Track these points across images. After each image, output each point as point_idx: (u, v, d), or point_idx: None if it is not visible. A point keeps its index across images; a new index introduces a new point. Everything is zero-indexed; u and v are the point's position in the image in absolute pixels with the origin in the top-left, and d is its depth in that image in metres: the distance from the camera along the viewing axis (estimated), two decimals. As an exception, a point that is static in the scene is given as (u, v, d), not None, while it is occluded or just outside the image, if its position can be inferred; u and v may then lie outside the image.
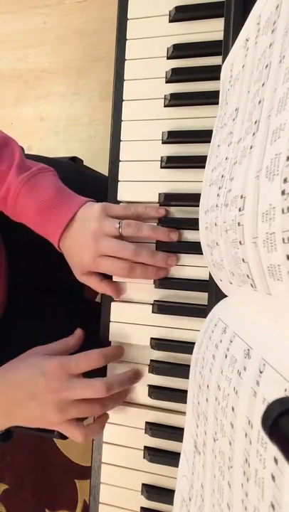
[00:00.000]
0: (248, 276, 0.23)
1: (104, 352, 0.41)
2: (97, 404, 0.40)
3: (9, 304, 0.60)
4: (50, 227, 0.44)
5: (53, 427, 0.41)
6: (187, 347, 0.41)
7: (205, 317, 0.35)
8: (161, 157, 0.43)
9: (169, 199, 0.43)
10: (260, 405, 0.19)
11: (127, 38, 0.45)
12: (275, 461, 0.17)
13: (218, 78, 0.36)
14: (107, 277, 0.45)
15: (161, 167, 0.43)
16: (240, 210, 0.23)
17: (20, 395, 0.40)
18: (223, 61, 0.35)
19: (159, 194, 0.43)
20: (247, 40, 0.28)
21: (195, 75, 0.43)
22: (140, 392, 0.44)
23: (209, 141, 0.36)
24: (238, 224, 0.23)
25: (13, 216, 0.47)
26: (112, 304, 0.45)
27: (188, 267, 0.43)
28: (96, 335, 0.46)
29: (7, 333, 0.58)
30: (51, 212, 0.44)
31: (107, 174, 0.46)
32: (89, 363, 0.41)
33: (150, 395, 0.43)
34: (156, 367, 0.43)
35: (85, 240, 0.42)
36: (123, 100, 0.45)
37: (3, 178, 0.45)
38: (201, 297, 0.41)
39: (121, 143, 0.45)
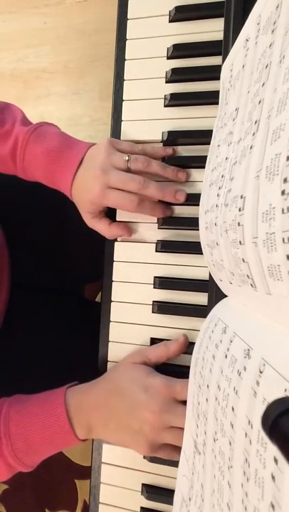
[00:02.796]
0: (248, 276, 0.23)
1: None
2: None
3: (10, 303, 0.60)
4: (61, 171, 0.44)
5: (153, 451, 0.39)
6: (187, 347, 0.41)
7: (205, 317, 0.35)
8: (162, 158, 0.43)
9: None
10: (260, 405, 0.19)
11: (127, 38, 0.45)
12: (275, 461, 0.17)
13: (218, 78, 0.36)
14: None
15: (161, 167, 0.44)
16: (240, 210, 0.23)
17: (120, 407, 0.39)
18: (223, 61, 0.35)
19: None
20: (247, 40, 0.28)
21: (195, 75, 0.43)
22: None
23: (209, 142, 0.36)
24: (238, 224, 0.23)
25: (23, 171, 0.46)
26: (112, 304, 0.45)
27: (188, 267, 0.43)
28: (96, 335, 0.46)
29: (8, 332, 0.58)
30: (61, 155, 0.43)
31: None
32: None
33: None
34: (157, 367, 0.43)
35: (93, 174, 0.41)
36: (123, 100, 0.45)
37: (9, 133, 0.45)
38: (201, 297, 0.41)
39: (121, 143, 0.46)
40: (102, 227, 0.44)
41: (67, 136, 0.45)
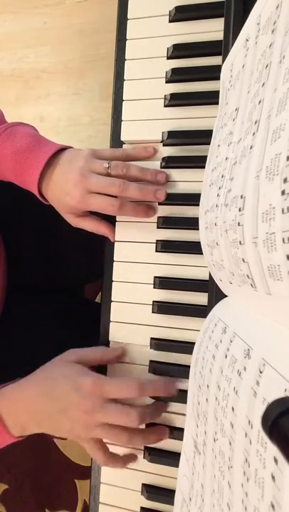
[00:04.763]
0: (248, 276, 0.23)
1: (143, 384, 0.39)
2: (126, 434, 0.39)
3: (9, 303, 0.60)
4: (27, 172, 0.43)
5: (80, 441, 0.41)
6: (187, 347, 0.41)
7: (205, 317, 0.35)
8: (162, 157, 0.43)
9: (169, 198, 0.43)
10: (260, 405, 0.19)
11: (127, 38, 0.45)
12: (275, 461, 0.17)
13: (218, 78, 0.36)
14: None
15: (162, 167, 0.44)
16: (240, 210, 0.23)
17: (52, 408, 0.39)
18: (223, 61, 0.35)
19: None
20: (247, 40, 0.28)
21: (195, 75, 0.43)
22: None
23: (209, 142, 0.36)
24: (238, 224, 0.23)
25: None
26: (112, 304, 0.45)
27: (188, 267, 0.43)
28: (96, 335, 0.46)
29: (7, 332, 0.58)
30: (28, 155, 0.43)
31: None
32: (125, 392, 0.39)
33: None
34: (156, 367, 0.43)
35: (73, 179, 0.41)
36: (123, 100, 0.45)
37: None
38: (201, 297, 0.41)
39: (121, 143, 0.46)
40: (88, 224, 0.45)
41: (38, 136, 0.45)
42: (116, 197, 0.42)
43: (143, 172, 0.42)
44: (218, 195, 0.29)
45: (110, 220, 0.46)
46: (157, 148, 0.44)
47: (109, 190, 0.41)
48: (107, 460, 0.41)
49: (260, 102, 0.23)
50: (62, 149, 0.44)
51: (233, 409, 0.22)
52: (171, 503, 0.36)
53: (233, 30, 0.36)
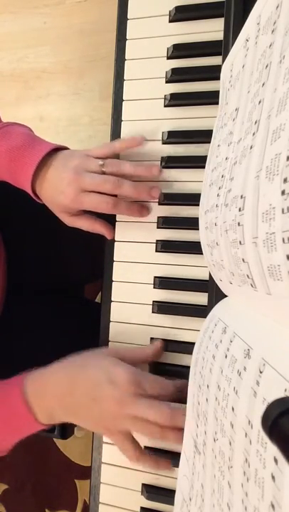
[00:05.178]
0: (248, 276, 0.23)
1: (179, 386, 0.39)
2: (157, 428, 0.37)
3: (9, 303, 0.60)
4: (21, 170, 0.43)
5: (109, 435, 0.40)
6: (187, 347, 0.41)
7: (205, 317, 0.35)
8: (162, 157, 0.43)
9: (169, 198, 0.43)
10: (260, 405, 0.19)
11: (127, 38, 0.45)
12: (275, 461, 0.17)
13: (218, 78, 0.36)
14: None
15: (162, 167, 0.44)
16: (240, 210, 0.23)
17: (83, 394, 0.39)
18: (223, 61, 0.35)
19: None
20: (247, 40, 0.28)
21: (195, 75, 0.43)
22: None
23: (209, 142, 0.36)
24: (238, 224, 0.23)
25: None
26: (112, 304, 0.45)
27: (188, 267, 0.43)
28: (96, 335, 0.46)
29: (7, 332, 0.58)
30: (23, 153, 0.43)
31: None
32: (161, 392, 0.38)
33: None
34: (157, 367, 0.43)
35: (67, 178, 0.41)
36: (123, 100, 0.45)
37: None
38: (201, 297, 0.41)
39: (121, 143, 0.46)
40: (83, 223, 0.45)
41: (33, 136, 0.45)
42: (111, 196, 0.42)
43: (137, 168, 0.42)
44: (218, 195, 0.29)
45: (110, 221, 0.46)
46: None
47: (103, 188, 0.41)
48: (139, 456, 0.39)
49: (260, 102, 0.23)
50: (58, 149, 0.44)
51: (233, 409, 0.22)
52: (171, 503, 0.36)
53: (233, 30, 0.36)
